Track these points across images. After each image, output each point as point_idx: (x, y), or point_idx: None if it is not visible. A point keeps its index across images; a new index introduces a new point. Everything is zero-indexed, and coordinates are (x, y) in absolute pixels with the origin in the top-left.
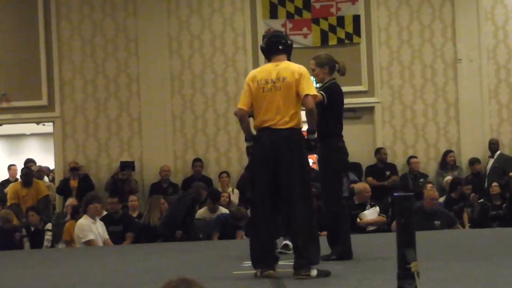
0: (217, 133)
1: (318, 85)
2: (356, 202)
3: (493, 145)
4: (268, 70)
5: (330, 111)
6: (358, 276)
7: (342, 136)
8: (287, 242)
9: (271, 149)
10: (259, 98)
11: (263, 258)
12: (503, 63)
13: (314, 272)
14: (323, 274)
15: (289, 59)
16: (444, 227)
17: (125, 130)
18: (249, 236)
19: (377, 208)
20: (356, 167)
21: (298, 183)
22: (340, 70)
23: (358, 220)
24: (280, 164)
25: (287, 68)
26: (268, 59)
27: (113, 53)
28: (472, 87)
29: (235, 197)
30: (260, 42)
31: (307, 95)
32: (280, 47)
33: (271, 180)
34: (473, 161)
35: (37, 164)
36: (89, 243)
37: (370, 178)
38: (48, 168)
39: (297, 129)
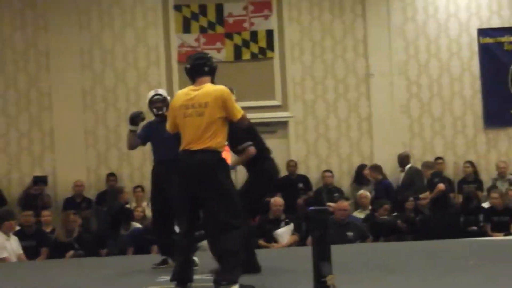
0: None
1: None
2: (271, 217)
3: (403, 159)
4: (189, 94)
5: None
6: None
7: None
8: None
9: (189, 172)
10: (181, 122)
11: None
12: (414, 78)
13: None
14: None
15: (213, 81)
16: (357, 239)
17: (37, 144)
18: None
19: (291, 226)
20: None
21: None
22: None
23: (272, 244)
24: (200, 186)
25: (209, 93)
26: (192, 80)
27: (24, 67)
28: (384, 101)
29: (149, 211)
30: (174, 56)
31: (241, 118)
32: (205, 69)
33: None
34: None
35: None
36: (2, 260)
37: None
38: None
39: (215, 151)
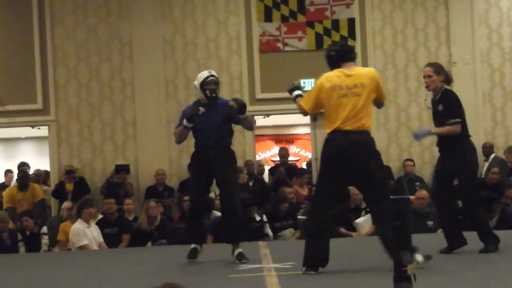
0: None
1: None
2: (352, 206)
3: (487, 148)
4: (340, 76)
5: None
6: (354, 279)
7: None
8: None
9: (343, 151)
10: (333, 103)
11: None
12: (497, 66)
13: None
14: None
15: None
16: (437, 228)
17: (120, 133)
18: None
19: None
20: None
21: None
22: (450, 79)
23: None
24: (355, 166)
25: (364, 74)
26: (337, 66)
27: (107, 57)
28: (467, 90)
29: None
30: (255, 45)
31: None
32: (352, 55)
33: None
34: None
35: (34, 168)
36: (83, 247)
37: None
38: (46, 172)
39: (368, 131)
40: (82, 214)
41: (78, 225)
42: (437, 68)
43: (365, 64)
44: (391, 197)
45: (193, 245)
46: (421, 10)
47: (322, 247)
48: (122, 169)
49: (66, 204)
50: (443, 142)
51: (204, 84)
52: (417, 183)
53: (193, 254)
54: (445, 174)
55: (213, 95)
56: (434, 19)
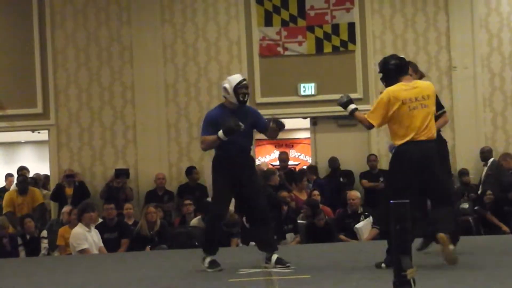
0: None
1: None
2: (349, 211)
3: (485, 153)
4: (407, 90)
5: None
6: (353, 283)
7: None
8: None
9: (421, 160)
10: (405, 115)
11: None
12: (497, 71)
13: None
14: None
15: None
16: None
17: (120, 138)
18: None
19: (370, 219)
20: (348, 174)
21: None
22: (423, 75)
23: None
24: (429, 174)
25: (426, 87)
26: (395, 79)
27: (107, 61)
28: (467, 95)
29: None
30: (256, 50)
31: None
32: (407, 69)
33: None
34: (462, 173)
35: (33, 172)
36: (83, 252)
37: (364, 181)
38: (46, 176)
39: (434, 140)
40: (83, 218)
41: (79, 229)
42: (414, 67)
43: (365, 69)
44: (391, 201)
45: (209, 259)
46: (422, 15)
47: None
48: (122, 173)
49: (66, 208)
50: None
51: (238, 87)
52: None
53: (215, 264)
54: None
55: (245, 99)
56: (435, 24)
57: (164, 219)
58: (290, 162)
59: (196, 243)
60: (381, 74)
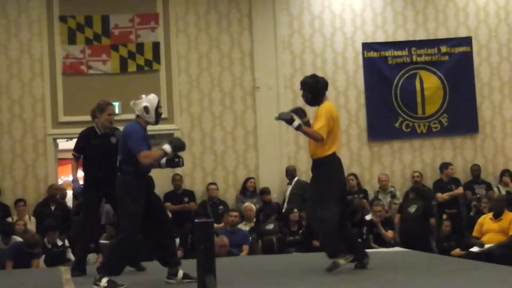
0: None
1: None
2: None
3: (290, 172)
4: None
5: None
6: None
7: None
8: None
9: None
10: (336, 131)
11: None
12: (299, 91)
13: None
14: None
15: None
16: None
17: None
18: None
19: (177, 240)
20: None
21: None
22: None
23: None
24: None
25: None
26: (323, 96)
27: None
28: (270, 115)
29: (31, 224)
30: (58, 68)
31: None
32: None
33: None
34: (263, 191)
35: None
36: None
37: (168, 203)
38: None
39: None
40: None
41: None
42: None
43: (169, 88)
44: (196, 220)
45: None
46: (226, 35)
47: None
48: None
49: None
50: None
51: (158, 108)
52: (221, 207)
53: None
54: None
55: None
56: (239, 45)
57: None
58: None
59: None
60: (301, 92)
